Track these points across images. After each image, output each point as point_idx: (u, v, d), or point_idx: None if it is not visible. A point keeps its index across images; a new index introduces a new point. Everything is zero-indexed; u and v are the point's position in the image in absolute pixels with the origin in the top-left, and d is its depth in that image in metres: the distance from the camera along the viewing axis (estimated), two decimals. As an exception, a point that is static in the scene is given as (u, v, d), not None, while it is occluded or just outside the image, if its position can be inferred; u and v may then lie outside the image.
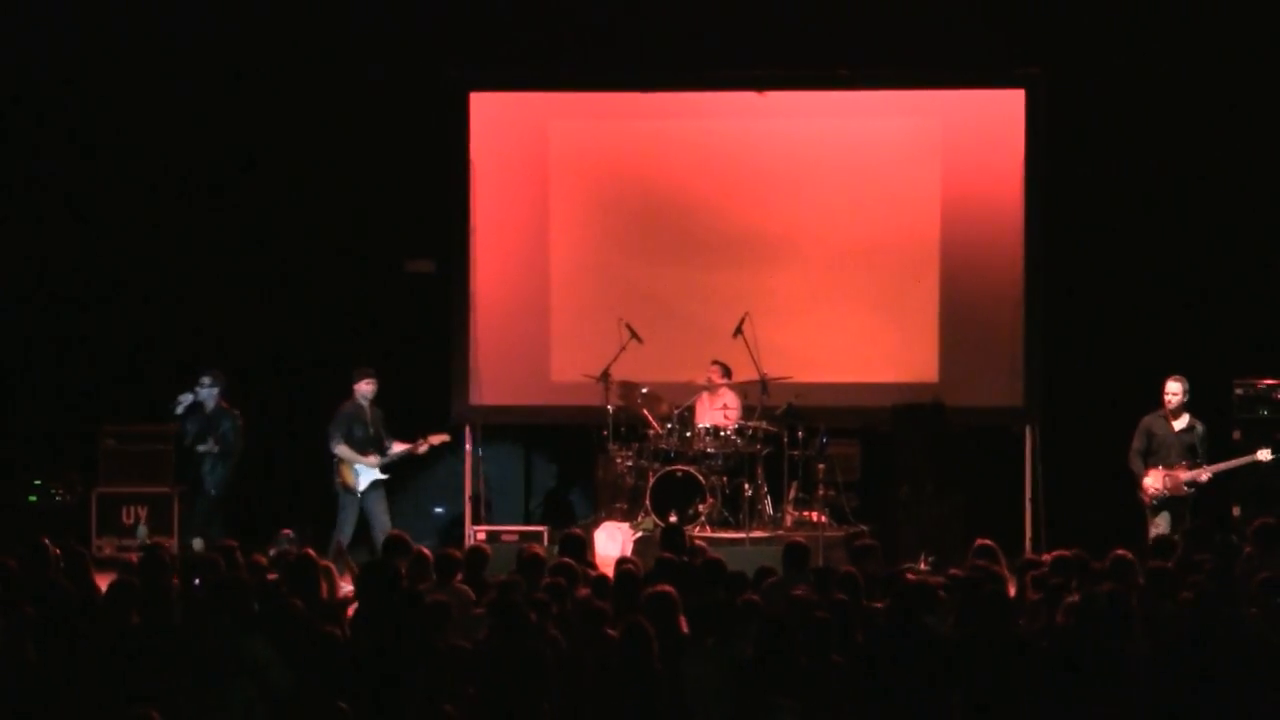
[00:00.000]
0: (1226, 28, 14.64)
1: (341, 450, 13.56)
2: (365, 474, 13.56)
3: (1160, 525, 12.71)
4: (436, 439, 13.86)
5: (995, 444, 14.91)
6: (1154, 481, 12.87)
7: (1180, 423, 12.97)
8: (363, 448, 13.58)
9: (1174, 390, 12.97)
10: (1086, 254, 14.97)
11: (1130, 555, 9.50)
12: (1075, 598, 8.18)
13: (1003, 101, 15.13)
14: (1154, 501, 12.86)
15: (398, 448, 13.73)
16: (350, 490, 13.55)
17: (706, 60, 15.05)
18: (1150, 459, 12.96)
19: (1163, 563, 9.46)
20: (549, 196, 15.50)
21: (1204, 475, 12.83)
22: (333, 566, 9.66)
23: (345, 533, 13.40)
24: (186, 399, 13.50)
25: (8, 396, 15.29)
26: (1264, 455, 12.86)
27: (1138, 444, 13.02)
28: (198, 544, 12.77)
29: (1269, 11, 14.60)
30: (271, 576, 9.36)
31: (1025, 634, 8.24)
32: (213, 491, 13.52)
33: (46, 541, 9.73)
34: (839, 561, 11.64)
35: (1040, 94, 14.93)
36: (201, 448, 13.48)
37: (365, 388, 13.69)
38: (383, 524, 13.39)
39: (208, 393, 13.50)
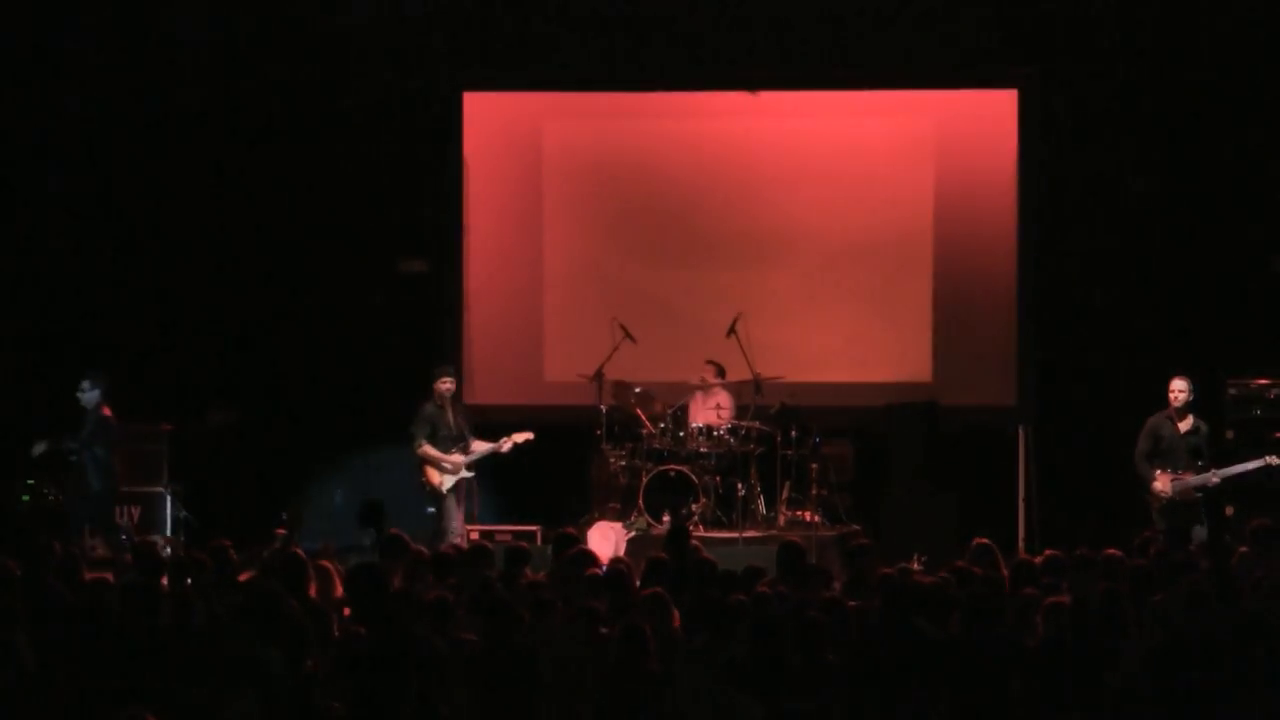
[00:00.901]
0: (1219, 26, 14.65)
1: (425, 451, 13.48)
2: (450, 473, 13.53)
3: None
4: (520, 437, 13.72)
5: (988, 444, 14.92)
6: (1163, 486, 12.76)
7: (1186, 424, 12.80)
8: (446, 447, 13.54)
9: (1179, 388, 12.79)
10: (1079, 253, 14.98)
11: (1121, 555, 9.52)
12: (1055, 600, 8.16)
13: (996, 101, 15.16)
14: (1162, 506, 12.77)
15: (480, 446, 13.67)
16: (436, 491, 13.49)
17: (699, 60, 15.06)
18: (1156, 461, 12.83)
19: (1141, 561, 9.48)
20: (542, 196, 15.52)
21: (1214, 479, 12.74)
22: (330, 567, 9.65)
23: (453, 529, 13.32)
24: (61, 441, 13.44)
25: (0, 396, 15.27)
26: (1275, 460, 12.79)
27: (1143, 446, 12.83)
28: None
29: (1262, 11, 14.61)
30: (245, 575, 9.38)
31: (1016, 634, 8.23)
32: (72, 492, 13.36)
33: (57, 545, 9.72)
34: (832, 562, 11.65)
35: (1033, 94, 14.95)
36: (68, 446, 13.36)
37: (443, 386, 13.63)
38: (459, 524, 13.41)
39: (89, 396, 13.41)
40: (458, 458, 13.50)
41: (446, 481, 13.46)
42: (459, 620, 8.26)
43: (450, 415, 13.61)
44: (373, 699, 7.05)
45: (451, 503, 13.48)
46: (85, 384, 13.36)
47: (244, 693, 7.33)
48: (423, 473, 13.54)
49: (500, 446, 13.71)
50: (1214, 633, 7.69)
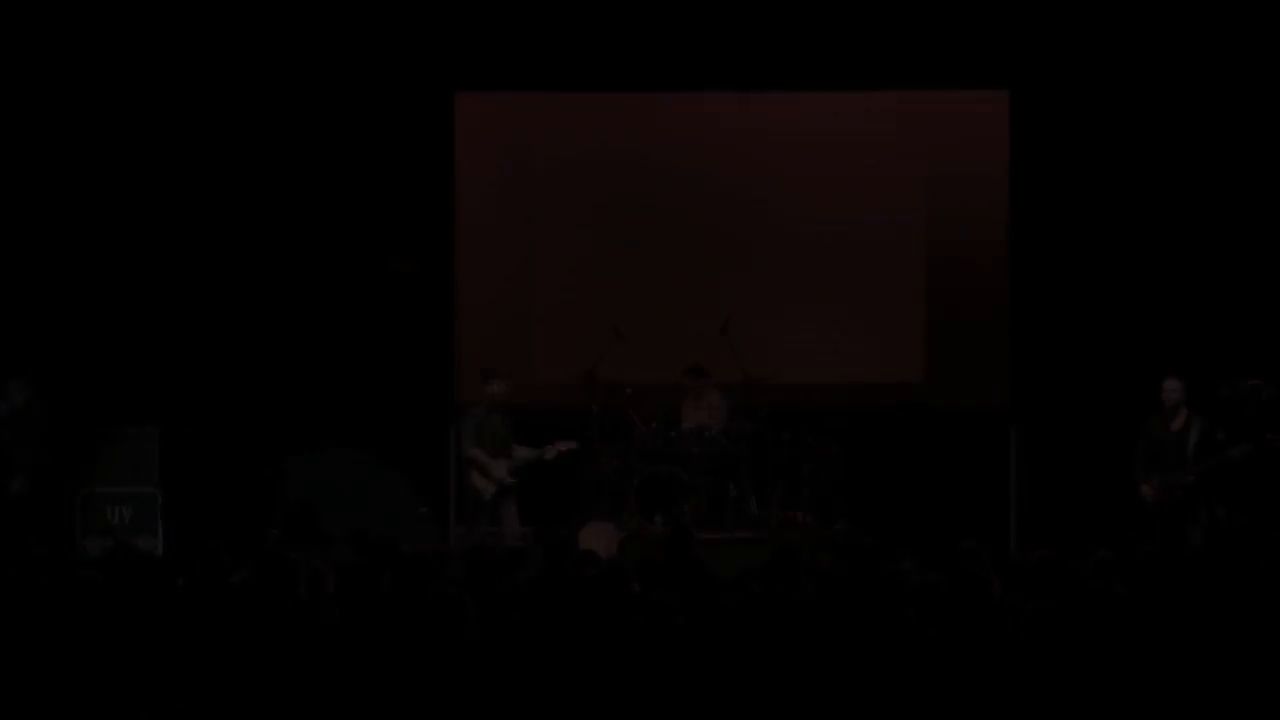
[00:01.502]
0: (1215, 25, 14.68)
1: (475, 455, 13.45)
2: (496, 478, 13.47)
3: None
4: (564, 445, 13.69)
5: (980, 445, 14.93)
6: (1149, 491, 12.81)
7: (1177, 423, 12.91)
8: (494, 452, 13.51)
9: (1172, 388, 12.90)
10: (1072, 255, 15.00)
11: (1112, 556, 9.53)
12: (1045, 601, 8.18)
13: (988, 102, 15.17)
14: (1154, 509, 12.78)
15: (523, 453, 13.61)
16: (479, 497, 13.47)
17: (692, 61, 15.07)
18: (1151, 464, 12.89)
19: (1132, 562, 9.48)
20: (535, 196, 15.53)
21: (1190, 477, 12.78)
22: (322, 566, 9.64)
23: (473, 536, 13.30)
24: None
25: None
26: (1239, 450, 12.85)
27: (1138, 449, 12.96)
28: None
29: (1257, 11, 14.64)
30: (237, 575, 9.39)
31: (1007, 634, 8.25)
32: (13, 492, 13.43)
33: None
34: (824, 562, 11.65)
35: (1026, 94, 14.97)
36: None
37: (496, 390, 13.61)
38: (513, 528, 13.37)
39: (20, 395, 13.42)
40: (504, 463, 13.46)
41: (490, 489, 13.42)
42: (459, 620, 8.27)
43: (499, 421, 13.60)
44: (365, 699, 7.06)
45: (488, 512, 13.42)
46: (17, 383, 13.41)
47: (238, 692, 7.35)
48: (467, 475, 13.50)
49: (544, 454, 13.66)
50: (1205, 631, 7.71)
